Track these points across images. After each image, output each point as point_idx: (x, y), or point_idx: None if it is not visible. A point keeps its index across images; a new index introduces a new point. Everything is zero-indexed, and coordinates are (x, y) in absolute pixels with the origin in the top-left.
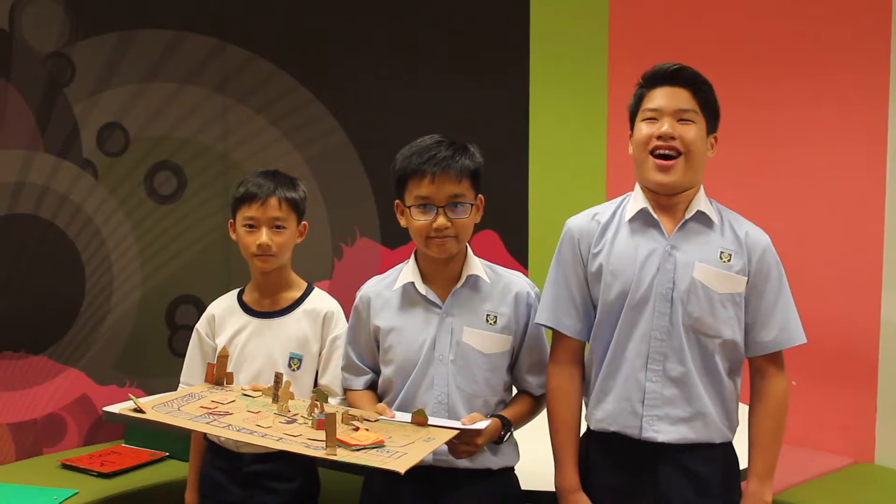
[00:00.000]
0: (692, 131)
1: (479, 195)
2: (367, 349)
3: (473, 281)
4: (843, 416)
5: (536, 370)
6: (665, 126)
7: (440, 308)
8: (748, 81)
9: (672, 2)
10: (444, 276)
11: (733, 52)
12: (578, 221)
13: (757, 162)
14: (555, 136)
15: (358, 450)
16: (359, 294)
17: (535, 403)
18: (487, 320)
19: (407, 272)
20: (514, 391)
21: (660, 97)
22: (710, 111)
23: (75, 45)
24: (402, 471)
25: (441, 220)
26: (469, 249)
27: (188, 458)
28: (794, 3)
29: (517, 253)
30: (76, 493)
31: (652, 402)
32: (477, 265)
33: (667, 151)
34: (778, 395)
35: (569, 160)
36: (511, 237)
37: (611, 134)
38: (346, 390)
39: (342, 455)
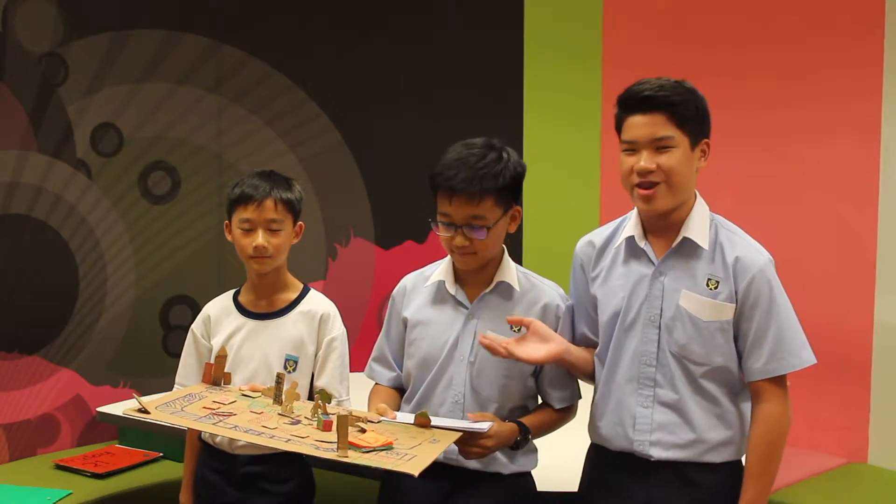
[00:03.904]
0: (672, 158)
1: (516, 206)
2: (399, 341)
3: (504, 287)
4: (837, 416)
5: (558, 383)
6: (642, 161)
7: (467, 309)
8: (740, 81)
9: (665, 3)
10: (476, 279)
11: (725, 51)
12: (581, 244)
13: (749, 162)
14: (549, 137)
15: (368, 452)
16: (398, 285)
17: (557, 417)
18: (511, 328)
19: (441, 270)
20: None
21: (635, 127)
22: (695, 124)
23: (69, 46)
24: (416, 473)
25: (459, 240)
26: (505, 255)
27: (182, 458)
28: (787, 3)
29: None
30: (70, 494)
31: (642, 428)
32: (510, 272)
33: (646, 184)
34: (771, 420)
35: (563, 161)
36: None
37: (605, 135)
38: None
39: (353, 457)
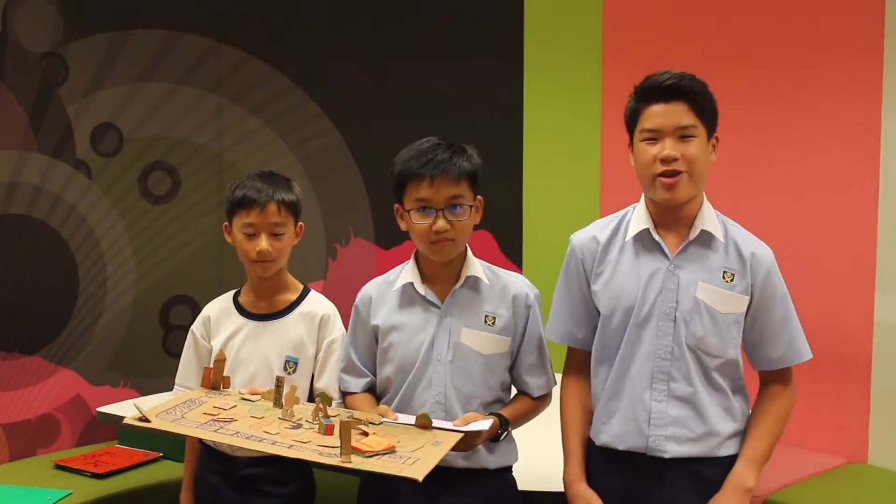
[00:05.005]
0: (694, 147)
1: (478, 196)
2: (367, 349)
3: (472, 282)
4: (837, 416)
5: (535, 371)
6: (667, 149)
7: (439, 308)
8: (739, 79)
9: (665, 2)
10: (443, 276)
11: (725, 49)
12: (581, 238)
13: (749, 160)
14: (549, 135)
15: (371, 456)
16: (359, 294)
17: (535, 404)
18: (486, 321)
19: (407, 272)
20: (514, 392)
21: (657, 116)
22: (710, 115)
23: (69, 46)
24: (420, 478)
25: (441, 223)
26: (469, 251)
27: (182, 458)
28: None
29: (511, 253)
30: (70, 494)
31: (658, 422)
32: (476, 266)
33: (670, 172)
34: (781, 397)
35: (563, 159)
36: (505, 237)
37: (605, 133)
38: (344, 393)
39: (357, 462)
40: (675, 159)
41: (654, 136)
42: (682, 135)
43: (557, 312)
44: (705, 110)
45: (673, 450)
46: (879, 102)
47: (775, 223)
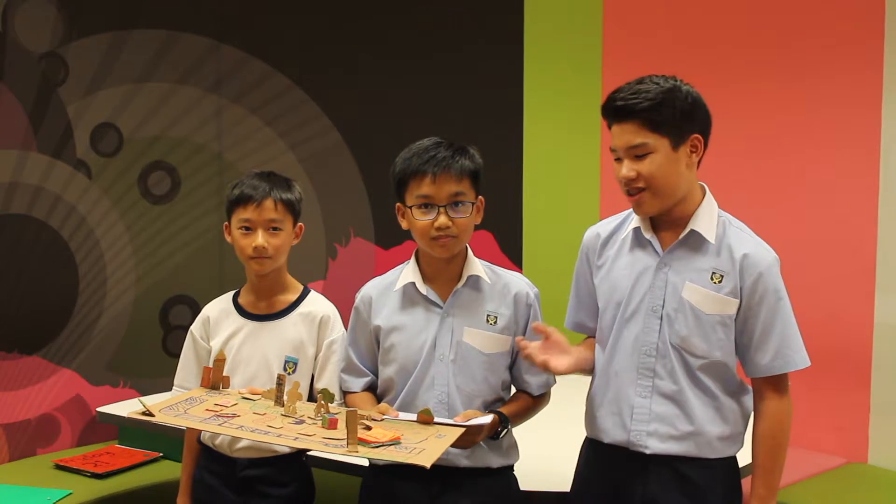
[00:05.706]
0: (650, 164)
1: (480, 196)
2: (368, 350)
3: (474, 281)
4: (837, 416)
5: (535, 370)
6: (623, 169)
7: (441, 308)
8: (741, 69)
9: (665, 8)
10: (444, 276)
11: (725, 43)
12: (588, 233)
13: (750, 163)
14: (549, 136)
15: (377, 447)
16: (359, 294)
17: (534, 403)
18: (488, 320)
19: (408, 272)
20: (513, 390)
21: (614, 136)
22: (674, 125)
23: (69, 46)
24: (428, 465)
25: (442, 220)
26: (469, 250)
27: (181, 458)
28: (788, 4)
29: (511, 253)
30: (70, 494)
31: (640, 418)
32: (477, 266)
33: (631, 191)
34: (777, 417)
35: (563, 160)
36: (505, 237)
37: (605, 134)
38: (344, 393)
39: (363, 452)
40: (632, 179)
41: (617, 157)
42: (636, 154)
43: (570, 303)
44: (660, 123)
45: (655, 446)
46: (880, 106)
47: (777, 224)
